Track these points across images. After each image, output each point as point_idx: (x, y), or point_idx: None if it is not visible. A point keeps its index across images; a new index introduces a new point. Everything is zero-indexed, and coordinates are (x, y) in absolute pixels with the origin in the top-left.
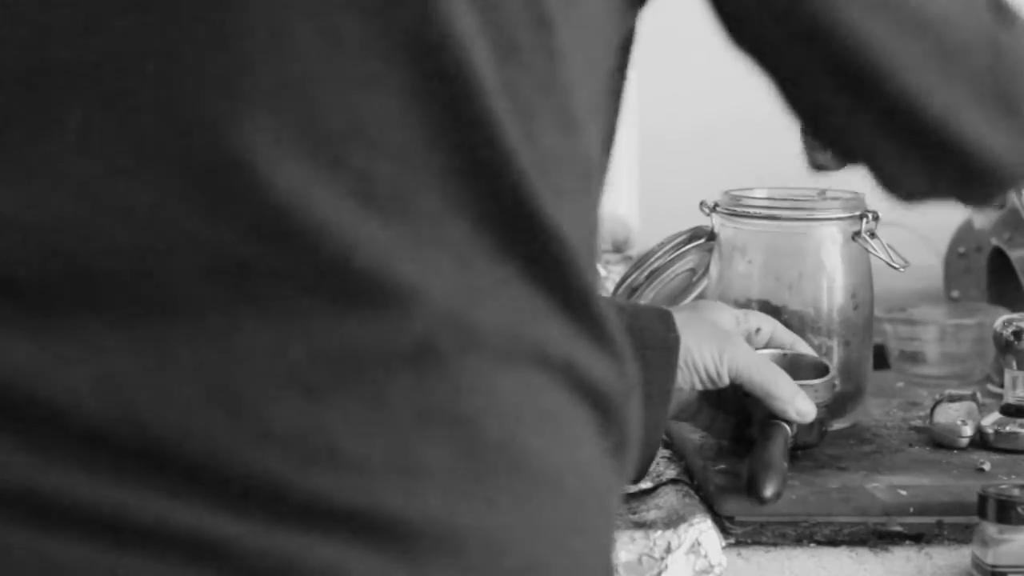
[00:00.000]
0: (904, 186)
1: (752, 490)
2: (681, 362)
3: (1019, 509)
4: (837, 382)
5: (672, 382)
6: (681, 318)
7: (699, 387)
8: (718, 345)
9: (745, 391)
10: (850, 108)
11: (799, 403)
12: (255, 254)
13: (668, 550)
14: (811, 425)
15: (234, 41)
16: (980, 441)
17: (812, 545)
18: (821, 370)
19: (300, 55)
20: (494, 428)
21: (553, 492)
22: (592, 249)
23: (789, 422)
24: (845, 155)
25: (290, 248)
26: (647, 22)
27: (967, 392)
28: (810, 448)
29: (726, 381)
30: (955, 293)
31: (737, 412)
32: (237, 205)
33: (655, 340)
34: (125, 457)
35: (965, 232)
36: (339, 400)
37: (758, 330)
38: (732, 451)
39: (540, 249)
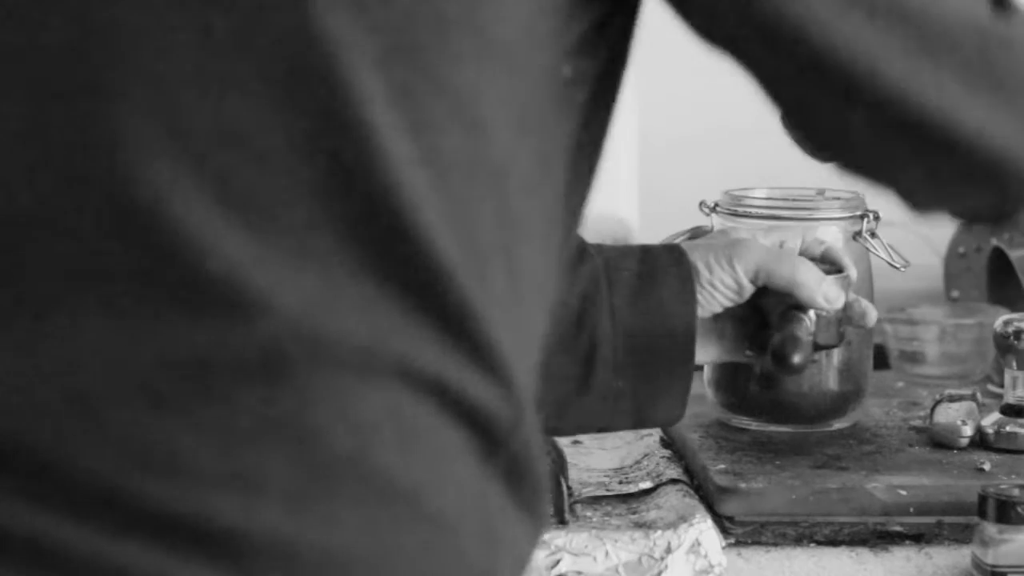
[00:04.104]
0: (914, 193)
1: (780, 360)
2: (699, 288)
3: (1019, 509)
4: (852, 280)
5: (693, 309)
6: (689, 245)
7: (726, 304)
8: (724, 252)
9: (764, 290)
10: (836, 108)
11: (826, 288)
12: (111, 254)
13: (668, 550)
14: (830, 324)
15: (102, 35)
16: (980, 441)
17: (812, 545)
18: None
19: (169, 51)
20: (343, 442)
21: (409, 511)
22: (502, 258)
23: (807, 314)
24: (846, 163)
25: (144, 249)
26: (647, 23)
27: (967, 392)
28: (830, 349)
29: (747, 287)
30: (955, 293)
31: (754, 320)
32: (98, 201)
33: (668, 272)
34: None
35: (965, 232)
36: (183, 408)
37: (782, 244)
38: (749, 354)
39: (412, 265)
